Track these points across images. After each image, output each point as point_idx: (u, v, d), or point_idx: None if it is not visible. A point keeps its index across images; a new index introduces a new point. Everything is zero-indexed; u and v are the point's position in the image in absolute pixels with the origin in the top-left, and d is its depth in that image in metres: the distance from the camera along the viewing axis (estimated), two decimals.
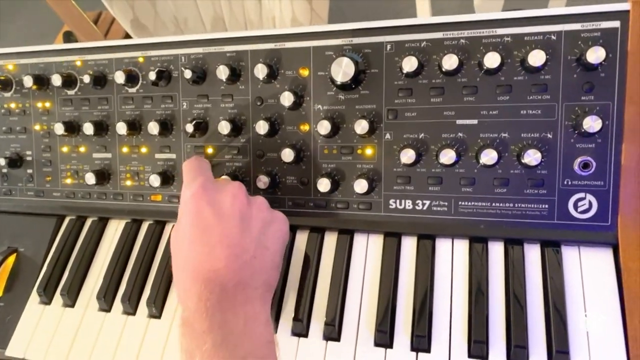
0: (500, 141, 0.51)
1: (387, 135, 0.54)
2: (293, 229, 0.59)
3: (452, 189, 0.52)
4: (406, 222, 0.54)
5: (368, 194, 0.54)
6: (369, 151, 0.54)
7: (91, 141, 0.66)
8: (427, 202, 0.53)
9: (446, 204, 0.53)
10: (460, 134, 0.52)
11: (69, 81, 0.65)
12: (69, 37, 1.40)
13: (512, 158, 0.51)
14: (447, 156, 0.51)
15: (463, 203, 0.52)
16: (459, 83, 0.51)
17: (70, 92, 0.66)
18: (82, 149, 0.66)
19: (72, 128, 0.65)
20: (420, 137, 0.53)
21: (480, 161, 0.50)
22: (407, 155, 0.52)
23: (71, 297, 0.62)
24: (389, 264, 0.53)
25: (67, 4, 1.11)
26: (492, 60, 0.49)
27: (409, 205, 0.54)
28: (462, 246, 0.53)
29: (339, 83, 0.53)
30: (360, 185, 0.53)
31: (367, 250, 0.56)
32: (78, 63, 0.66)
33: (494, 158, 0.49)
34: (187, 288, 0.44)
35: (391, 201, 0.54)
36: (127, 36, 1.19)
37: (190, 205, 0.45)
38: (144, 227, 0.64)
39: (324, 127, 0.54)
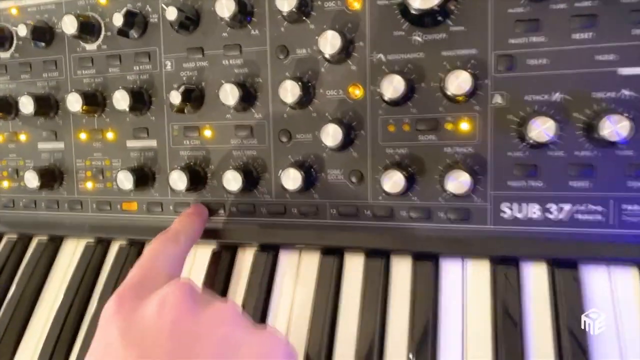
0: None
1: (497, 98, 0.33)
2: (340, 252, 0.38)
3: (612, 185, 0.33)
4: (530, 239, 0.34)
5: (466, 195, 0.33)
6: (464, 125, 0.34)
7: (35, 125, 0.47)
8: (567, 207, 0.33)
9: (601, 209, 0.32)
10: (625, 92, 0.31)
11: (1, 38, 0.46)
12: None
13: None
14: (607, 130, 0.30)
15: (630, 207, 0.32)
16: (624, 6, 0.31)
17: (4, 55, 0.47)
18: (22, 137, 0.47)
19: (8, 106, 0.48)
20: (555, 99, 0.32)
21: None
22: (536, 131, 0.31)
23: (4, 356, 0.42)
24: (504, 306, 0.33)
25: None
26: None
27: (535, 213, 0.33)
28: (626, 277, 0.33)
29: (415, 13, 0.33)
30: (456, 181, 0.32)
31: (465, 284, 0.35)
32: (13, 11, 0.46)
33: None
34: None
35: (504, 206, 0.34)
36: None
37: (99, 326, 0.30)
38: (113, 249, 0.48)
39: (393, 87, 0.33)
